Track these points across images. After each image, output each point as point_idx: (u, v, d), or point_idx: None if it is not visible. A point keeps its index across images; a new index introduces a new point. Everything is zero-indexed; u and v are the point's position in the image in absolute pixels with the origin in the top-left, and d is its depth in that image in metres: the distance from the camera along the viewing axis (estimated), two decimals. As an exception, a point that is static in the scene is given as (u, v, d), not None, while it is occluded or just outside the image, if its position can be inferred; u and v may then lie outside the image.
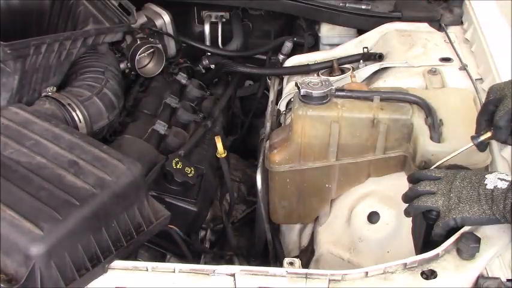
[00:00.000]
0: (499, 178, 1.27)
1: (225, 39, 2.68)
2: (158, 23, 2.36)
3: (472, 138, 1.41)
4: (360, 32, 2.29)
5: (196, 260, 1.82)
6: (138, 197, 1.38)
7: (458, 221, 1.29)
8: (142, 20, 2.31)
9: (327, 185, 1.75)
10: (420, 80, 1.87)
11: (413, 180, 1.44)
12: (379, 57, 2.07)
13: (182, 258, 1.73)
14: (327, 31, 2.41)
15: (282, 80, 2.35)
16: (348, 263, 1.69)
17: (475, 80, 1.84)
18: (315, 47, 2.48)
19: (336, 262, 1.70)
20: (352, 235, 1.72)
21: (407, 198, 1.41)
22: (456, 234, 1.30)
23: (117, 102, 1.89)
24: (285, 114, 2.12)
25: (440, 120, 1.60)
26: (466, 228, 1.31)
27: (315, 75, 2.13)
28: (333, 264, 1.70)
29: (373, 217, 1.69)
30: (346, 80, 2.02)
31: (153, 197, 1.49)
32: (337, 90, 1.65)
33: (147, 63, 2.24)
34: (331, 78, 2.01)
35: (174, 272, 1.27)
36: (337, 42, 2.37)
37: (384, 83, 1.92)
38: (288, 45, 2.52)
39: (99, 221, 1.27)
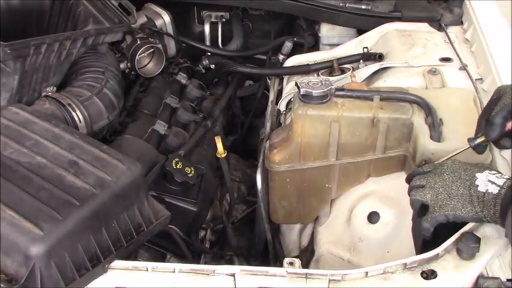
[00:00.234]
0: (489, 181, 1.27)
1: (225, 39, 2.68)
2: (158, 23, 2.36)
3: (469, 140, 1.41)
4: (360, 32, 2.29)
5: (196, 260, 1.82)
6: (138, 197, 1.38)
7: (451, 217, 1.29)
8: (142, 20, 2.31)
9: (327, 185, 1.75)
10: (420, 80, 1.87)
11: (409, 179, 1.44)
12: (379, 57, 2.07)
13: (182, 258, 1.73)
14: (327, 31, 2.41)
15: (282, 80, 2.35)
16: (348, 263, 1.69)
17: (475, 80, 1.84)
18: (315, 47, 2.48)
19: (336, 262, 1.70)
20: (352, 235, 1.72)
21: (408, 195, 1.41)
22: (456, 234, 1.30)
23: (117, 102, 1.89)
24: (285, 114, 2.12)
25: (440, 119, 1.60)
26: (466, 228, 1.31)
27: (315, 75, 2.13)
28: (333, 264, 1.70)
29: (373, 217, 1.69)
30: (346, 80, 2.02)
31: (153, 197, 1.49)
32: (337, 89, 1.65)
33: (147, 63, 2.24)
34: (331, 78, 2.01)
35: (174, 272, 1.27)
36: (337, 42, 2.37)
37: (383, 83, 1.92)
38: (288, 45, 2.52)
39: (99, 221, 1.27)
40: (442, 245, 1.29)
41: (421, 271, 1.26)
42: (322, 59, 2.20)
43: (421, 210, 1.35)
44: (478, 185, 1.28)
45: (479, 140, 1.39)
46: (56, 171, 1.33)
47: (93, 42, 1.91)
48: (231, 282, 1.25)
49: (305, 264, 1.74)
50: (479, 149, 1.41)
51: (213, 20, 2.67)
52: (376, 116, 1.61)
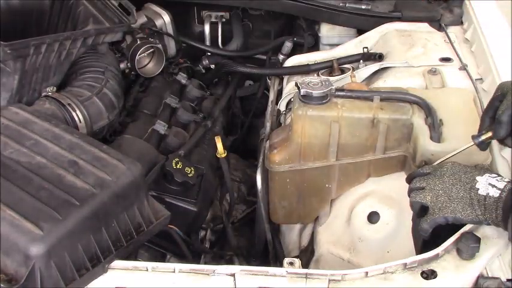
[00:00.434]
0: (490, 184, 1.27)
1: (225, 39, 2.68)
2: (158, 23, 2.36)
3: (473, 137, 1.40)
4: (360, 32, 2.29)
5: (196, 260, 1.82)
6: (138, 197, 1.38)
7: (450, 219, 1.29)
8: (142, 20, 2.31)
9: (327, 185, 1.75)
10: (420, 80, 1.87)
11: (409, 179, 1.45)
12: (379, 57, 2.07)
13: (182, 258, 1.73)
14: (327, 31, 2.41)
15: (282, 80, 2.35)
16: (348, 263, 1.69)
17: (475, 80, 1.84)
18: (315, 47, 2.48)
19: (336, 262, 1.70)
20: (352, 235, 1.72)
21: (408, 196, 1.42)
22: (456, 234, 1.30)
23: (117, 102, 1.89)
24: (285, 114, 2.12)
25: (440, 120, 1.60)
26: (466, 228, 1.31)
27: (315, 75, 2.13)
28: (333, 264, 1.70)
29: (373, 217, 1.69)
30: (346, 80, 2.02)
31: (153, 197, 1.49)
32: (337, 90, 1.65)
33: (147, 63, 2.24)
34: (331, 78, 2.01)
35: (174, 272, 1.27)
36: (337, 42, 2.37)
37: (384, 83, 1.92)
38: (288, 45, 2.52)
39: (99, 221, 1.27)
40: (442, 245, 1.29)
41: (421, 271, 1.26)
42: (322, 59, 2.20)
43: (420, 211, 1.36)
44: (478, 188, 1.28)
45: (483, 137, 1.38)
46: (56, 171, 1.33)
47: (93, 42, 1.91)
48: (231, 282, 1.25)
49: (305, 264, 1.74)
50: (482, 146, 1.40)
51: (213, 20, 2.67)
52: (376, 116, 1.61)
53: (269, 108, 2.17)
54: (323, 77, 1.99)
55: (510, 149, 1.50)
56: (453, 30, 2.14)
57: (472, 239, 1.27)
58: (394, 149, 1.66)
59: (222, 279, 1.25)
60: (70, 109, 1.72)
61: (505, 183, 1.26)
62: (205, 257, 1.89)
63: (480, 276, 1.26)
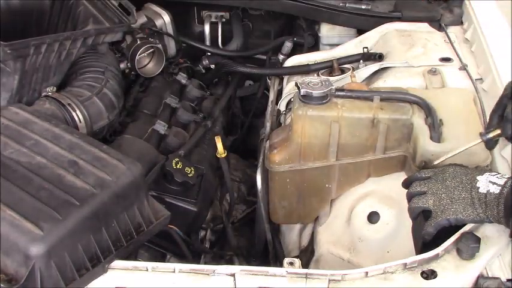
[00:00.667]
0: (490, 182, 1.28)
1: (225, 39, 2.68)
2: (158, 23, 2.36)
3: (481, 134, 1.40)
4: (360, 32, 2.29)
5: (196, 260, 1.82)
6: (138, 197, 1.38)
7: (453, 221, 1.30)
8: (142, 20, 2.31)
9: (327, 185, 1.75)
10: (420, 80, 1.87)
11: (406, 184, 1.46)
12: (379, 57, 2.07)
13: (182, 258, 1.73)
14: (327, 31, 2.41)
15: (282, 80, 2.35)
16: (348, 263, 1.69)
17: (475, 80, 1.84)
18: (315, 47, 2.48)
19: (336, 262, 1.70)
20: (352, 235, 1.72)
21: (407, 201, 1.42)
22: (456, 234, 1.30)
23: (117, 102, 1.89)
24: (285, 114, 2.12)
25: (440, 120, 1.60)
26: (466, 228, 1.31)
27: (315, 75, 2.13)
28: (333, 264, 1.70)
29: (373, 217, 1.69)
30: (346, 80, 2.02)
31: (153, 197, 1.49)
32: (337, 90, 1.65)
33: (147, 63, 2.24)
34: (331, 78, 2.01)
35: (174, 272, 1.27)
36: (337, 42, 2.37)
37: (383, 83, 1.92)
38: (288, 45, 2.52)
39: (99, 221, 1.27)
40: (442, 245, 1.29)
41: (421, 271, 1.26)
42: (322, 59, 2.20)
43: (421, 215, 1.36)
44: (479, 187, 1.28)
45: (492, 135, 1.38)
46: (56, 171, 1.33)
47: (93, 42, 1.91)
48: (231, 282, 1.25)
49: (305, 264, 1.74)
50: (490, 144, 1.40)
51: (213, 20, 2.67)
52: (376, 116, 1.61)
53: (269, 108, 2.17)
54: (323, 77, 1.99)
55: (510, 149, 1.50)
56: (453, 30, 2.14)
57: (472, 239, 1.27)
58: (394, 149, 1.66)
59: (222, 279, 1.25)
60: (70, 109, 1.72)
61: (506, 179, 1.26)
62: (205, 257, 1.89)
63: (480, 276, 1.26)
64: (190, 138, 2.01)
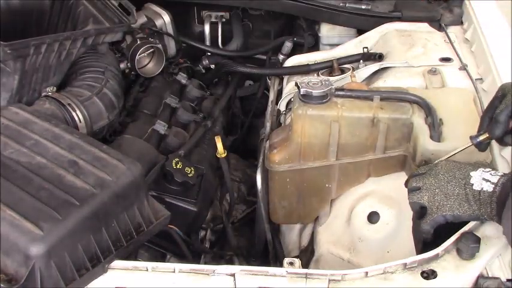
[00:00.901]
0: (484, 179, 1.27)
1: (225, 39, 2.68)
2: (158, 23, 2.36)
3: (471, 138, 1.40)
4: (360, 32, 2.29)
5: (196, 260, 1.82)
6: (138, 197, 1.38)
7: (449, 217, 1.30)
8: (142, 20, 2.31)
9: (327, 185, 1.75)
10: (420, 80, 1.87)
11: (406, 182, 1.45)
12: (379, 57, 2.07)
13: (182, 258, 1.73)
14: (327, 31, 2.41)
15: (282, 80, 2.35)
16: (348, 263, 1.69)
17: (475, 80, 1.84)
18: (315, 47, 2.48)
19: (336, 262, 1.70)
20: (352, 235, 1.72)
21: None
22: (456, 234, 1.30)
23: (117, 102, 1.89)
24: (285, 114, 2.12)
25: (440, 119, 1.60)
26: (466, 228, 1.31)
27: (315, 75, 2.13)
28: (333, 264, 1.70)
29: (373, 217, 1.69)
30: (346, 80, 2.02)
31: (153, 197, 1.49)
32: (337, 89, 1.65)
33: (147, 63, 2.24)
34: (331, 78, 2.01)
35: (174, 272, 1.27)
36: (337, 42, 2.37)
37: (383, 82, 1.92)
38: (288, 45, 2.52)
39: (99, 221, 1.27)
40: (442, 245, 1.29)
41: (421, 271, 1.26)
42: (322, 59, 2.20)
43: (420, 212, 1.36)
44: (472, 184, 1.28)
45: (481, 138, 1.38)
46: (56, 171, 1.33)
47: (93, 42, 1.91)
48: (231, 282, 1.25)
49: (305, 264, 1.74)
50: (481, 146, 1.40)
51: (213, 20, 2.67)
52: (376, 116, 1.61)
53: (269, 108, 2.17)
54: (323, 77, 2.00)
55: (510, 149, 1.50)
56: (453, 30, 2.14)
57: (472, 239, 1.27)
58: (394, 149, 1.66)
59: (222, 279, 1.25)
60: (70, 109, 1.72)
61: (499, 176, 1.26)
62: (205, 257, 1.89)
63: (480, 276, 1.26)
64: (190, 138, 2.01)
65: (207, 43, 2.69)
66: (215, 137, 1.91)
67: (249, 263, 1.98)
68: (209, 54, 2.63)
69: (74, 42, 1.83)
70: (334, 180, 1.73)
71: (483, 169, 1.30)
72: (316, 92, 1.61)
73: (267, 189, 1.83)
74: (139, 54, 2.13)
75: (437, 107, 1.62)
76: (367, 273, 1.26)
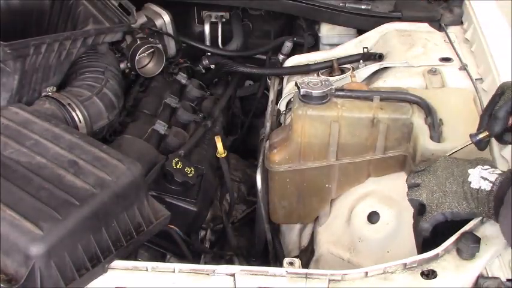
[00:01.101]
0: (482, 177, 1.28)
1: (225, 39, 2.68)
2: (158, 23, 2.36)
3: (471, 136, 1.41)
4: (360, 32, 2.29)
5: (196, 260, 1.82)
6: (138, 197, 1.38)
7: (448, 215, 1.31)
8: (142, 20, 2.31)
9: (327, 185, 1.75)
10: (420, 80, 1.87)
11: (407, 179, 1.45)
12: (379, 57, 2.07)
13: (182, 258, 1.73)
14: (327, 31, 2.41)
15: (282, 80, 2.35)
16: (348, 263, 1.69)
17: (475, 80, 1.84)
18: (315, 47, 2.48)
19: (336, 262, 1.70)
20: (352, 235, 1.72)
21: None
22: (456, 234, 1.30)
23: (117, 102, 1.89)
24: (285, 114, 2.12)
25: (440, 119, 1.60)
26: (466, 228, 1.31)
27: (315, 75, 2.13)
28: (333, 264, 1.70)
29: (373, 217, 1.69)
30: (346, 80, 2.02)
31: (153, 197, 1.49)
32: (337, 90, 1.65)
33: (147, 63, 2.24)
34: (331, 78, 2.01)
35: (174, 272, 1.27)
36: (337, 42, 2.37)
37: (383, 83, 1.92)
38: (288, 45, 2.52)
39: (99, 220, 1.27)
40: (442, 245, 1.29)
41: (421, 271, 1.26)
42: (322, 59, 2.20)
43: (419, 209, 1.36)
44: (470, 182, 1.29)
45: (481, 136, 1.38)
46: (56, 171, 1.33)
47: (93, 42, 1.91)
48: (231, 282, 1.25)
49: (305, 264, 1.74)
50: (481, 144, 1.40)
51: (213, 20, 2.67)
52: (376, 116, 1.61)
53: (269, 108, 2.17)
54: (323, 77, 2.00)
55: (510, 149, 1.50)
56: (453, 30, 2.14)
57: (472, 239, 1.27)
58: (394, 149, 1.66)
59: (222, 279, 1.25)
60: (70, 109, 1.72)
61: (497, 175, 1.26)
62: (205, 257, 1.89)
63: (480, 276, 1.26)
64: (190, 138, 2.01)
65: (207, 43, 2.69)
66: (215, 137, 1.91)
67: (249, 263, 1.98)
68: (209, 54, 2.63)
69: (74, 42, 1.83)
70: (334, 180, 1.73)
71: (481, 167, 1.30)
72: (316, 92, 1.61)
73: (267, 189, 1.83)
74: (139, 54, 2.13)
75: (437, 107, 1.62)
76: (367, 273, 1.26)
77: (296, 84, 1.67)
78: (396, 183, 1.64)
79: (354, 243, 1.71)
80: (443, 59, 1.96)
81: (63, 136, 1.45)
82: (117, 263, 1.29)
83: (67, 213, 1.22)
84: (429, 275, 1.26)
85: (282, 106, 2.14)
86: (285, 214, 1.84)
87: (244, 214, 2.30)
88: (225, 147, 1.91)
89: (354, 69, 2.09)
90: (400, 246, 1.62)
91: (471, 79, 1.85)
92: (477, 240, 1.27)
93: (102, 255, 1.27)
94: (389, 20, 2.21)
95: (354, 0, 2.31)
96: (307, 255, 1.82)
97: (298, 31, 2.57)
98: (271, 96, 2.26)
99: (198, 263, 1.83)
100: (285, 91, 2.19)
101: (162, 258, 1.75)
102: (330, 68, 2.14)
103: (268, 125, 2.07)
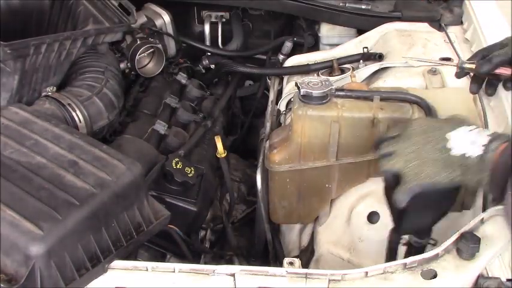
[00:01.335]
0: (468, 140, 1.16)
1: (225, 39, 2.68)
2: (158, 23, 2.36)
3: (459, 61, 1.44)
4: (360, 32, 2.29)
5: (196, 260, 1.82)
6: (138, 197, 1.38)
7: (427, 186, 1.20)
8: (142, 20, 2.31)
9: (327, 185, 1.75)
10: (420, 80, 1.87)
11: (376, 145, 1.35)
12: (379, 57, 2.07)
13: (182, 258, 1.73)
14: (327, 31, 2.41)
15: (282, 80, 2.35)
16: (348, 263, 1.69)
17: (475, 80, 1.84)
18: (315, 47, 2.48)
19: (336, 262, 1.70)
20: (352, 235, 1.72)
21: None
22: (456, 234, 1.30)
23: (117, 102, 1.89)
24: (285, 114, 2.12)
25: (440, 120, 1.60)
26: (466, 228, 1.31)
27: (315, 75, 2.13)
28: (333, 264, 1.70)
29: (373, 217, 1.69)
30: (346, 80, 2.02)
31: (153, 197, 1.49)
32: (337, 90, 1.65)
33: (147, 63, 2.24)
34: (331, 78, 2.01)
35: (174, 272, 1.26)
36: (337, 42, 2.37)
37: (383, 83, 1.92)
38: (288, 45, 2.52)
39: (99, 220, 1.27)
40: (442, 244, 1.29)
41: (421, 271, 1.26)
42: (322, 59, 2.20)
43: (393, 180, 1.26)
44: (451, 149, 1.17)
45: (468, 65, 1.42)
46: (56, 171, 1.33)
47: (93, 42, 1.91)
48: (231, 282, 1.25)
49: (305, 264, 1.74)
50: (461, 73, 1.44)
51: (213, 20, 2.67)
52: (376, 116, 1.61)
53: (269, 108, 2.17)
54: (323, 77, 2.00)
55: (504, 102, 1.49)
56: (453, 30, 2.14)
57: (472, 239, 1.27)
58: (394, 149, 1.66)
59: (222, 279, 1.25)
60: (70, 109, 1.72)
61: (489, 137, 1.14)
62: (205, 257, 1.89)
63: (480, 276, 1.26)
64: (190, 138, 2.01)
65: (207, 43, 2.68)
66: (215, 137, 1.91)
67: (249, 263, 1.98)
68: (209, 54, 2.62)
69: (74, 42, 1.83)
70: (334, 181, 1.73)
71: (466, 127, 1.18)
72: (316, 93, 1.61)
73: (267, 189, 1.83)
74: (139, 54, 2.13)
75: (437, 107, 1.62)
76: (367, 273, 1.26)
77: (296, 84, 1.67)
78: (396, 183, 1.63)
79: (354, 243, 1.71)
80: (443, 59, 1.96)
81: (63, 136, 1.45)
82: (117, 263, 1.29)
83: (67, 213, 1.22)
84: (429, 275, 1.26)
85: (282, 106, 2.14)
86: (285, 214, 1.84)
87: (244, 214, 2.31)
88: (225, 147, 1.91)
89: (354, 69, 2.09)
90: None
91: (471, 79, 1.85)
92: (477, 240, 1.27)
93: (102, 255, 1.27)
94: (389, 20, 2.21)
95: (354, 0, 2.31)
96: (307, 255, 1.82)
97: (298, 31, 2.57)
98: (271, 96, 2.26)
99: (198, 263, 1.83)
100: (285, 91, 2.19)
101: (162, 258, 1.75)
102: (330, 68, 2.14)
103: (268, 125, 2.07)
